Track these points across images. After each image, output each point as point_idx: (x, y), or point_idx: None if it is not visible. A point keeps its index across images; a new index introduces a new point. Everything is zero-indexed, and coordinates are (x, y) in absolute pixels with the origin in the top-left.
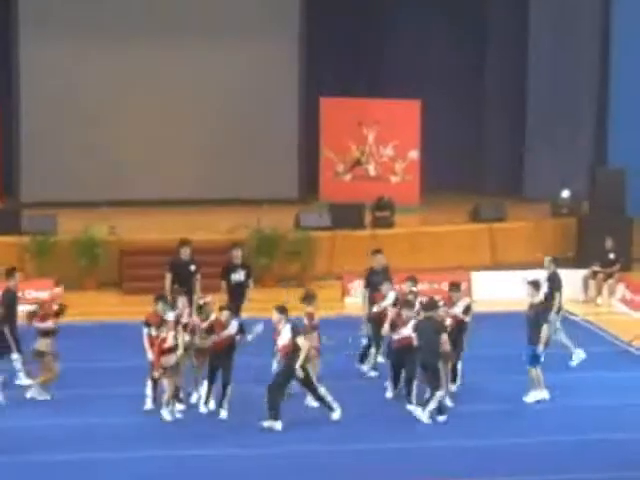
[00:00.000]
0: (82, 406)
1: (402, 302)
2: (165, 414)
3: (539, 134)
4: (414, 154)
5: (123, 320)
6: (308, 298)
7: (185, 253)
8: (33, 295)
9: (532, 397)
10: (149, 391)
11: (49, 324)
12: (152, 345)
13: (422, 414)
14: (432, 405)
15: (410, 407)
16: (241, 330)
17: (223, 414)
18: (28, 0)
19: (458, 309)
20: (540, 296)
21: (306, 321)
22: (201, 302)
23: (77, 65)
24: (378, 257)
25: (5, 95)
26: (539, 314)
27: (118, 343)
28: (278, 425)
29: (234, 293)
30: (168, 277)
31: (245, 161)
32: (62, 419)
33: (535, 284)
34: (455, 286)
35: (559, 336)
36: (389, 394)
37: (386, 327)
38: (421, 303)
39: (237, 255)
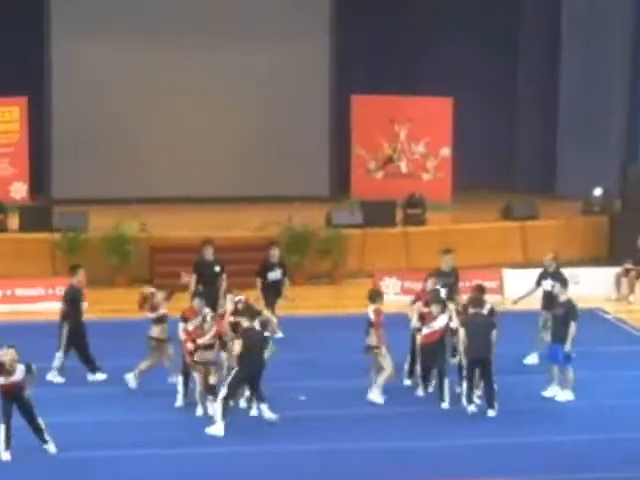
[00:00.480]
0: (114, 403)
1: (431, 297)
2: (199, 410)
3: (571, 132)
4: (446, 151)
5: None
6: (374, 296)
7: (208, 253)
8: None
9: (557, 394)
10: (180, 387)
11: (160, 312)
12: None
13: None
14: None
15: (444, 405)
16: None
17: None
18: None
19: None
20: (567, 294)
21: (374, 318)
22: (236, 299)
23: (108, 63)
24: (447, 258)
25: (37, 93)
26: (568, 312)
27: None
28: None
29: (270, 291)
30: (193, 278)
31: (277, 158)
32: (93, 416)
33: (563, 282)
34: (480, 289)
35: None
36: (420, 392)
37: (414, 320)
38: (468, 299)
39: (275, 254)
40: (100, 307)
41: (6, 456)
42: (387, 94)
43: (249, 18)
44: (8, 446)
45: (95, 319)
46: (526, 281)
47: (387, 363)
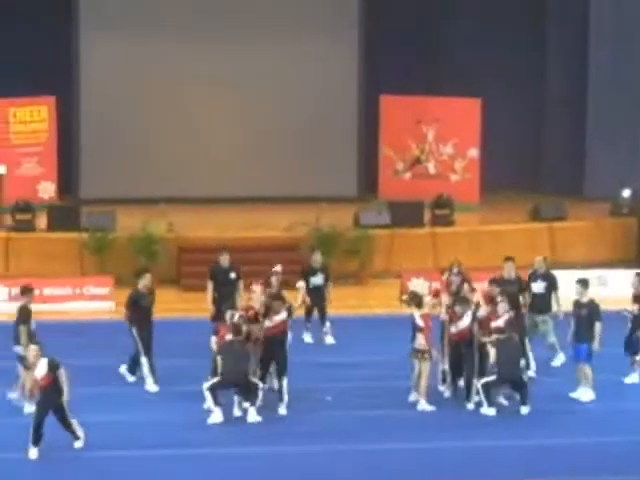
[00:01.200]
0: (143, 403)
1: (457, 298)
2: (235, 410)
3: (599, 132)
4: (474, 152)
5: (181, 317)
6: (418, 301)
7: (224, 260)
8: (92, 292)
9: (582, 395)
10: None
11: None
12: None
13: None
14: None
15: (469, 405)
16: None
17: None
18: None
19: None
20: (589, 295)
21: (422, 323)
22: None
23: (136, 62)
24: (508, 265)
25: (65, 92)
26: (592, 312)
27: (177, 339)
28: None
29: (312, 296)
30: (209, 285)
31: (304, 159)
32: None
33: (584, 283)
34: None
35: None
36: (446, 394)
37: (443, 314)
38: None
39: (316, 259)
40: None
41: (34, 454)
42: (415, 94)
43: (277, 17)
44: (37, 443)
45: (121, 319)
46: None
47: (427, 368)
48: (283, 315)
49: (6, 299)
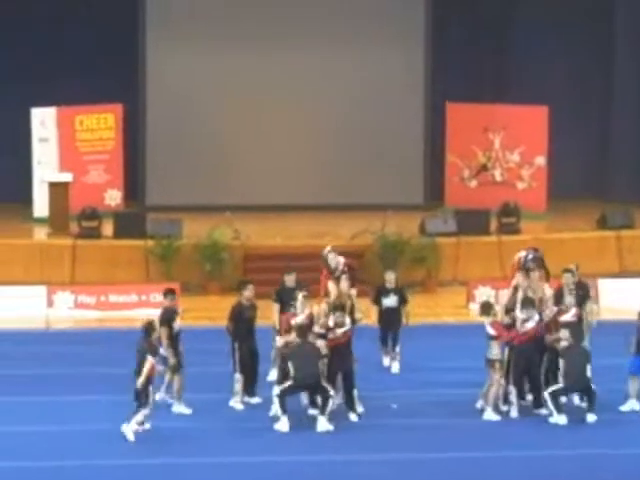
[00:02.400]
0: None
1: (522, 302)
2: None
3: None
4: (541, 160)
5: None
6: (486, 309)
7: (290, 280)
8: (158, 299)
9: (634, 406)
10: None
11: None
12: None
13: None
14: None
15: (542, 411)
16: None
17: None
18: (155, 7)
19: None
20: None
21: (494, 331)
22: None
23: (202, 71)
24: (566, 276)
25: (132, 100)
26: None
27: None
28: None
29: (385, 319)
30: (275, 308)
31: (370, 166)
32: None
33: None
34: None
35: None
36: (514, 413)
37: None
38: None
39: (390, 279)
40: (194, 314)
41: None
42: (481, 101)
43: (342, 26)
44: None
45: (188, 326)
46: (622, 291)
47: (498, 378)
48: (347, 326)
49: (72, 306)
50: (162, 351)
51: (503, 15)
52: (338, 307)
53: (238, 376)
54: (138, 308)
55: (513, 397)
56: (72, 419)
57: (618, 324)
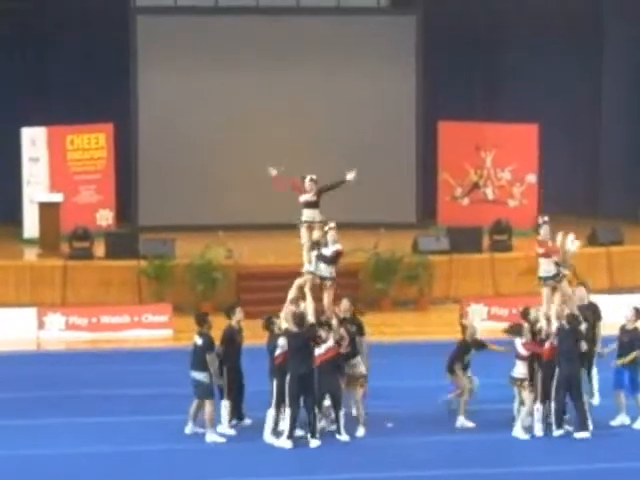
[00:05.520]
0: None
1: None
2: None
3: None
4: (532, 178)
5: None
6: (516, 331)
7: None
8: (150, 320)
9: (625, 421)
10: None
11: None
12: None
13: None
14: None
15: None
16: None
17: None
18: (146, 28)
19: None
20: (638, 323)
21: (524, 352)
22: None
23: (194, 90)
24: (577, 291)
25: (123, 119)
26: (634, 339)
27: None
28: None
29: None
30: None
31: (362, 185)
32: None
33: (638, 311)
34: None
35: None
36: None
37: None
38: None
39: (345, 308)
40: (188, 335)
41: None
42: (473, 120)
43: (336, 44)
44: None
45: (181, 347)
46: (612, 307)
47: (530, 397)
48: (330, 342)
49: (63, 328)
50: (202, 377)
51: (493, 36)
52: (323, 323)
53: (226, 402)
54: (130, 329)
55: (539, 414)
56: (65, 442)
57: (609, 339)
